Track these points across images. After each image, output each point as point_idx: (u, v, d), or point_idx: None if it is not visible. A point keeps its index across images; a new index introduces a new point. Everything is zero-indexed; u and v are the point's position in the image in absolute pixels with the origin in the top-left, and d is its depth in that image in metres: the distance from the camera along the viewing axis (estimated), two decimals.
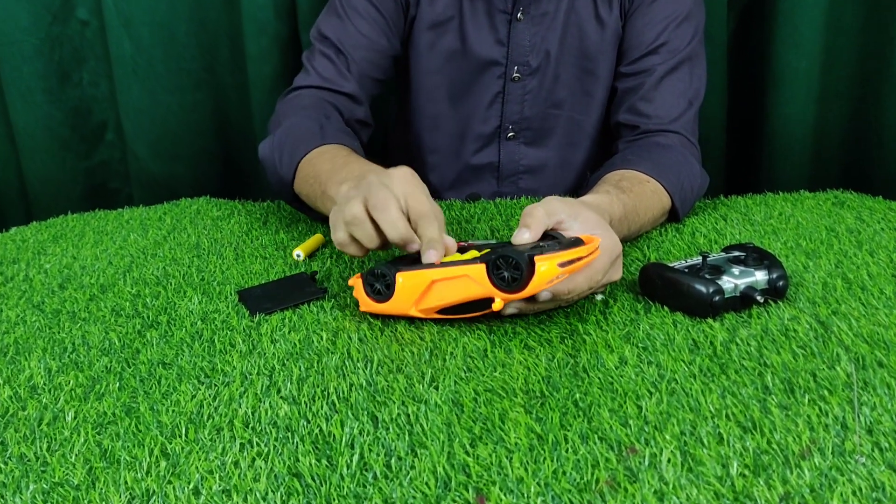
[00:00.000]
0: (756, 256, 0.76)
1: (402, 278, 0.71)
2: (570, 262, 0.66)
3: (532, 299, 0.69)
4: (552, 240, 0.72)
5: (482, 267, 0.67)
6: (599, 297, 0.76)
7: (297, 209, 1.05)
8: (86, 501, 0.51)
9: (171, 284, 0.85)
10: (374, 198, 0.74)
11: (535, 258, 0.65)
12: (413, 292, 0.71)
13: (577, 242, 0.69)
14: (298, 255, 0.90)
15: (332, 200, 0.83)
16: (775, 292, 0.74)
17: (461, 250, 0.77)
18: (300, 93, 1.11)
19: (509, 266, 0.66)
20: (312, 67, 1.12)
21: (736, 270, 0.74)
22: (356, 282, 0.75)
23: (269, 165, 1.01)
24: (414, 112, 1.21)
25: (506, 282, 0.66)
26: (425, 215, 0.74)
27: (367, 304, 0.74)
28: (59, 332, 0.75)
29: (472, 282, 0.68)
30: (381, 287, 0.73)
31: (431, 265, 0.71)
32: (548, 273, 0.65)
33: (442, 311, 0.72)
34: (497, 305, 0.67)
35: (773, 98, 1.37)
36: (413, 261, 0.74)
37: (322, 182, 0.88)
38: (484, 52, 1.13)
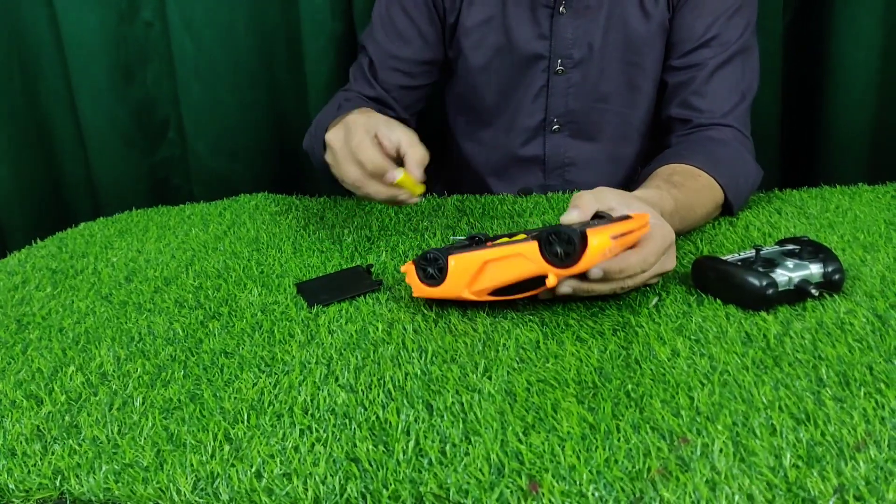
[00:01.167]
0: (811, 250, 0.76)
1: (455, 261, 0.72)
2: (622, 234, 0.66)
3: (585, 277, 0.70)
4: (601, 219, 0.72)
5: (534, 244, 0.68)
6: (655, 300, 0.76)
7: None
8: (154, 482, 0.54)
9: (231, 277, 0.88)
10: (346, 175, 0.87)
11: (588, 231, 0.65)
12: (466, 274, 0.72)
13: (626, 217, 0.70)
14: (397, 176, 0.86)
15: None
16: (831, 286, 0.74)
17: (510, 237, 0.78)
18: (337, 94, 1.22)
19: (562, 241, 0.66)
20: (352, 77, 1.23)
21: (790, 263, 0.74)
22: (409, 268, 0.76)
23: (310, 153, 1.09)
24: (463, 107, 1.24)
25: (559, 257, 0.66)
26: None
27: (421, 289, 0.75)
28: (126, 323, 0.78)
29: (525, 260, 0.68)
30: (434, 271, 0.74)
31: (483, 246, 0.72)
32: (600, 246, 0.65)
33: (495, 292, 0.72)
34: (551, 281, 0.67)
35: (830, 90, 1.35)
36: (464, 247, 0.75)
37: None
38: (528, 46, 1.14)
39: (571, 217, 0.73)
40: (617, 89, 1.16)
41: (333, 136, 0.90)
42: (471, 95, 1.21)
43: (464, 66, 1.19)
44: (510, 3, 1.13)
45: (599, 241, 0.65)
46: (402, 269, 0.77)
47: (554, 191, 1.20)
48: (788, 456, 0.52)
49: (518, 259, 0.69)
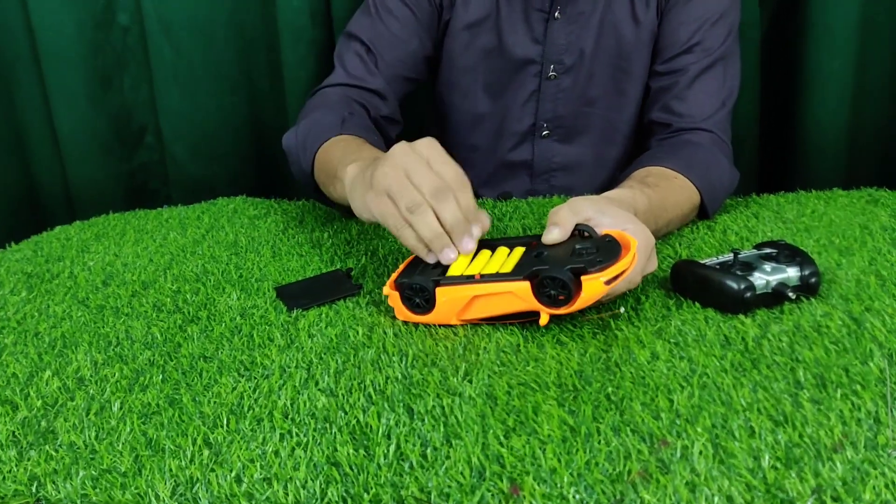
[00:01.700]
0: (788, 253, 0.76)
1: (443, 294, 0.72)
2: (615, 277, 0.67)
3: None
4: (585, 239, 0.72)
5: (527, 285, 0.68)
6: (622, 310, 0.76)
7: (319, 201, 1.05)
8: (133, 487, 0.53)
9: (210, 281, 0.87)
10: (424, 179, 0.72)
11: (582, 277, 0.66)
12: (454, 306, 0.72)
13: (613, 243, 0.70)
14: None
15: (340, 181, 0.86)
16: (807, 289, 0.75)
17: (490, 247, 0.78)
18: (327, 90, 1.14)
19: (556, 286, 0.67)
20: (342, 66, 1.15)
21: (768, 267, 0.75)
22: (391, 292, 0.75)
23: (292, 156, 1.05)
24: (450, 110, 1.23)
25: (552, 299, 0.67)
26: (458, 187, 0.73)
27: (405, 314, 0.75)
28: (103, 327, 0.78)
29: (516, 297, 0.69)
30: (421, 301, 0.73)
31: (472, 278, 0.71)
32: (594, 291, 0.66)
33: (483, 319, 0.73)
34: (544, 321, 0.68)
35: (805, 97, 1.36)
36: (445, 268, 0.75)
37: (333, 166, 0.91)
38: (520, 50, 1.14)
39: (553, 236, 0.73)
40: (604, 93, 1.16)
41: (352, 175, 0.82)
42: (458, 98, 1.21)
43: (452, 67, 1.18)
44: (503, 5, 1.13)
45: (594, 287, 0.66)
46: (384, 291, 0.76)
47: (539, 195, 1.20)
48: (767, 457, 0.52)
49: (509, 296, 0.70)
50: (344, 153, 0.91)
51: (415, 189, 0.72)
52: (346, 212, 1.02)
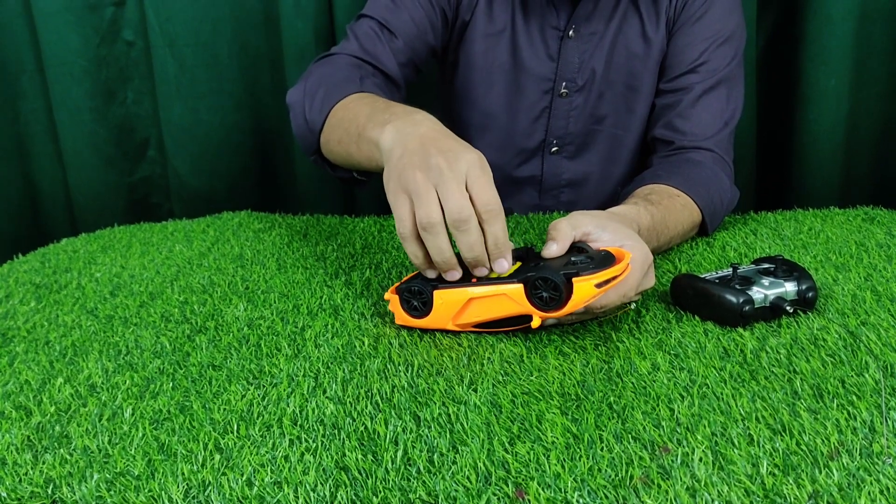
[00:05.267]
0: (786, 268, 0.78)
1: (440, 297, 0.74)
2: (606, 281, 0.68)
3: None
4: (581, 252, 0.74)
5: (520, 288, 0.70)
6: (633, 305, 0.78)
7: (317, 164, 1.00)
8: (146, 490, 0.54)
9: (217, 292, 0.89)
10: (450, 202, 0.68)
11: (573, 279, 0.67)
12: (451, 309, 0.74)
13: (608, 257, 0.72)
14: None
15: (371, 143, 0.79)
16: (805, 303, 0.76)
17: None
18: (337, 56, 1.08)
19: (548, 287, 0.68)
20: (355, 36, 1.08)
21: (766, 281, 0.76)
22: (392, 296, 0.77)
23: (297, 111, 0.99)
24: (460, 122, 1.23)
25: (544, 301, 0.69)
26: (495, 215, 0.69)
27: (404, 318, 0.76)
28: (112, 336, 0.79)
29: (510, 300, 0.70)
30: (418, 304, 0.75)
31: (468, 282, 0.73)
32: (585, 293, 0.67)
33: (478, 324, 0.75)
34: (535, 323, 0.70)
35: (802, 116, 1.39)
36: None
37: (360, 124, 0.83)
38: (534, 66, 1.16)
39: (551, 251, 0.74)
40: (614, 111, 1.18)
41: (390, 139, 0.75)
42: (468, 110, 1.21)
43: (467, 78, 1.19)
44: (520, 21, 1.14)
45: (584, 290, 0.67)
46: (386, 296, 0.78)
47: (547, 211, 1.21)
48: (765, 464, 0.54)
49: (503, 299, 0.71)
50: (372, 110, 0.84)
51: (437, 207, 0.69)
52: (350, 180, 0.98)
